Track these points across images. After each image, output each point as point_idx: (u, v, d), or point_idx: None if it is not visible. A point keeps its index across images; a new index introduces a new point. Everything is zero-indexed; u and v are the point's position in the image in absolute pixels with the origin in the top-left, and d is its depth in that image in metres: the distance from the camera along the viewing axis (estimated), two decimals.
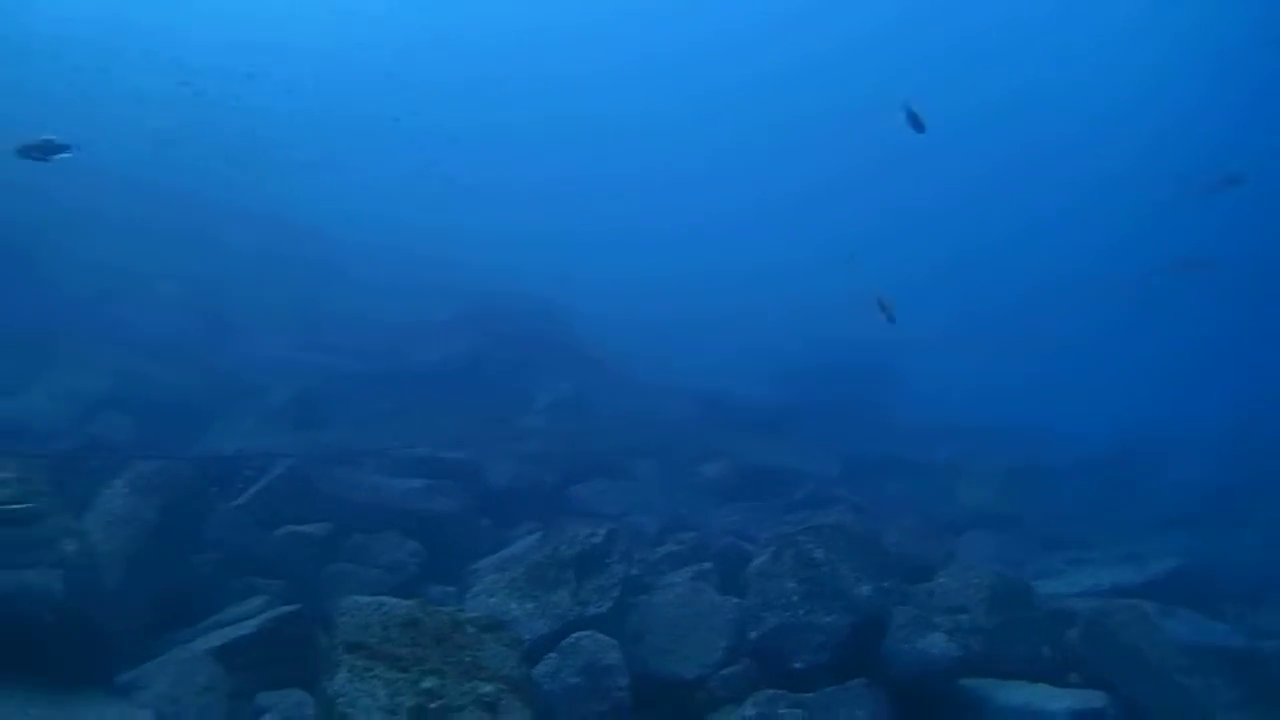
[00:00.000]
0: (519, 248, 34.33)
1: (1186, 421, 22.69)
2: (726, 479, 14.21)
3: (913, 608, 8.07)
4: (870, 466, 16.41)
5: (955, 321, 35.81)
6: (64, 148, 9.42)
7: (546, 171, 46.97)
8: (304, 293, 21.86)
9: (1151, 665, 7.77)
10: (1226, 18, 39.15)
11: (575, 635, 7.23)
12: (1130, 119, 46.52)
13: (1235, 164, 28.23)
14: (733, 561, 9.86)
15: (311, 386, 15.81)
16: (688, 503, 12.92)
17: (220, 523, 9.16)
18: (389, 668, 5.42)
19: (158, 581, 7.90)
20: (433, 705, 5.26)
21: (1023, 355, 33.69)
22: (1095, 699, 7.11)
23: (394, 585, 9.00)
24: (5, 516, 6.21)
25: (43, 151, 9.43)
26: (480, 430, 14.17)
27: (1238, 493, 16.21)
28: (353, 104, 37.30)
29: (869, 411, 20.87)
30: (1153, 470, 18.52)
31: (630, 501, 12.40)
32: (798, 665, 7.41)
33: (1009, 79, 49.00)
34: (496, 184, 43.27)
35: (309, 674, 6.53)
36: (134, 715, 5.96)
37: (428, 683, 5.37)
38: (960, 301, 38.89)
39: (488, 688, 5.50)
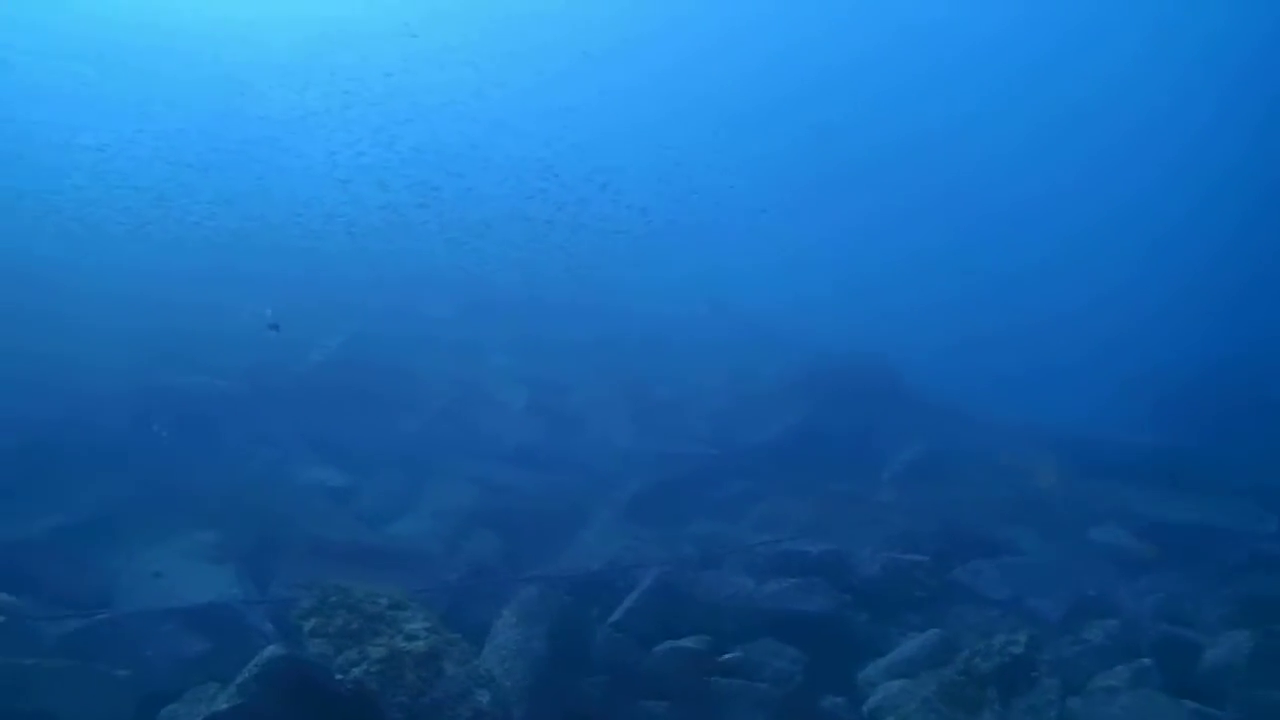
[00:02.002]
0: (827, 301, 33.51)
1: None
2: (1128, 545, 12.30)
3: None
4: None
5: None
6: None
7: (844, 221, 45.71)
8: (635, 376, 22.32)
9: None
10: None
11: None
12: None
13: None
14: (1175, 654, 8.28)
15: (657, 477, 15.89)
16: (1090, 578, 11.22)
17: (602, 643, 9.14)
18: None
19: (557, 713, 7.90)
20: None
21: None
22: None
23: (783, 698, 8.49)
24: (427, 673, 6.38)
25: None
26: (835, 511, 13.40)
27: None
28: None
29: None
30: None
31: (1020, 582, 10.98)
32: None
33: None
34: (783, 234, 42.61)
35: None
36: None
37: None
38: None
39: None
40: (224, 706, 6.18)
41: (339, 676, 6.54)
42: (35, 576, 9.64)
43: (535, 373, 20.78)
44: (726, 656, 9.12)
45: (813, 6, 48.38)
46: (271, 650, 6.72)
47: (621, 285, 27.79)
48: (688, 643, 9.18)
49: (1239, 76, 44.96)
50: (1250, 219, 42.90)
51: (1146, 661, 8.16)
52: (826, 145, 48.78)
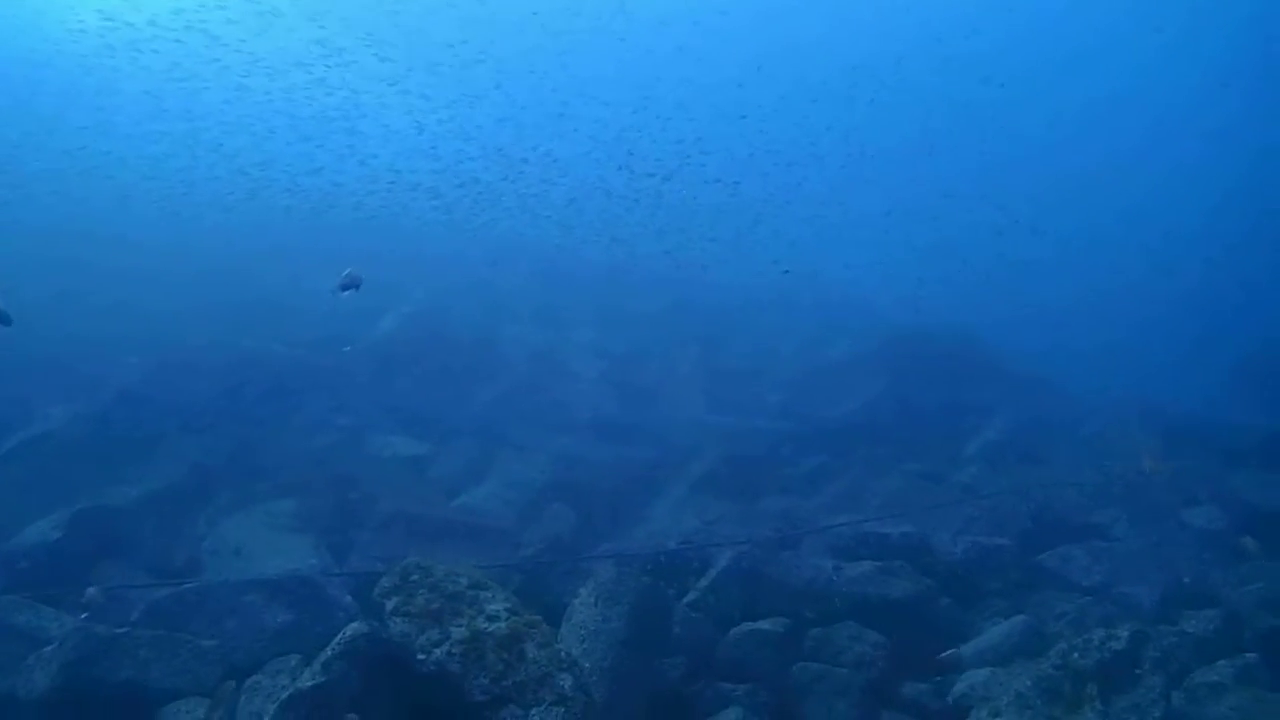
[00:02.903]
0: (903, 270, 32.65)
1: None
2: (1226, 530, 11.69)
3: None
4: None
5: None
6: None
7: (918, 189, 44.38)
8: (709, 347, 22.06)
9: None
10: None
11: None
12: None
13: None
14: None
15: (731, 451, 15.68)
16: (1186, 565, 10.70)
17: (679, 624, 9.03)
18: None
19: (636, 694, 7.83)
20: None
21: None
22: None
23: (865, 684, 8.31)
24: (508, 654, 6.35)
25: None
26: (915, 490, 13.05)
27: None
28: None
29: None
30: None
31: (1111, 568, 10.53)
32: None
33: None
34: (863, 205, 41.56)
35: None
36: None
37: None
38: None
39: None
40: (308, 684, 6.22)
41: (420, 657, 6.53)
42: (126, 542, 9.92)
43: (611, 344, 20.68)
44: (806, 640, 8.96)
45: None
46: (354, 628, 6.75)
47: (700, 256, 27.47)
48: (766, 625, 9.02)
49: None
50: None
51: (1252, 657, 7.73)
52: (894, 114, 47.35)
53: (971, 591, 10.18)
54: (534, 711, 6.16)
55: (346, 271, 9.43)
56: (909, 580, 9.80)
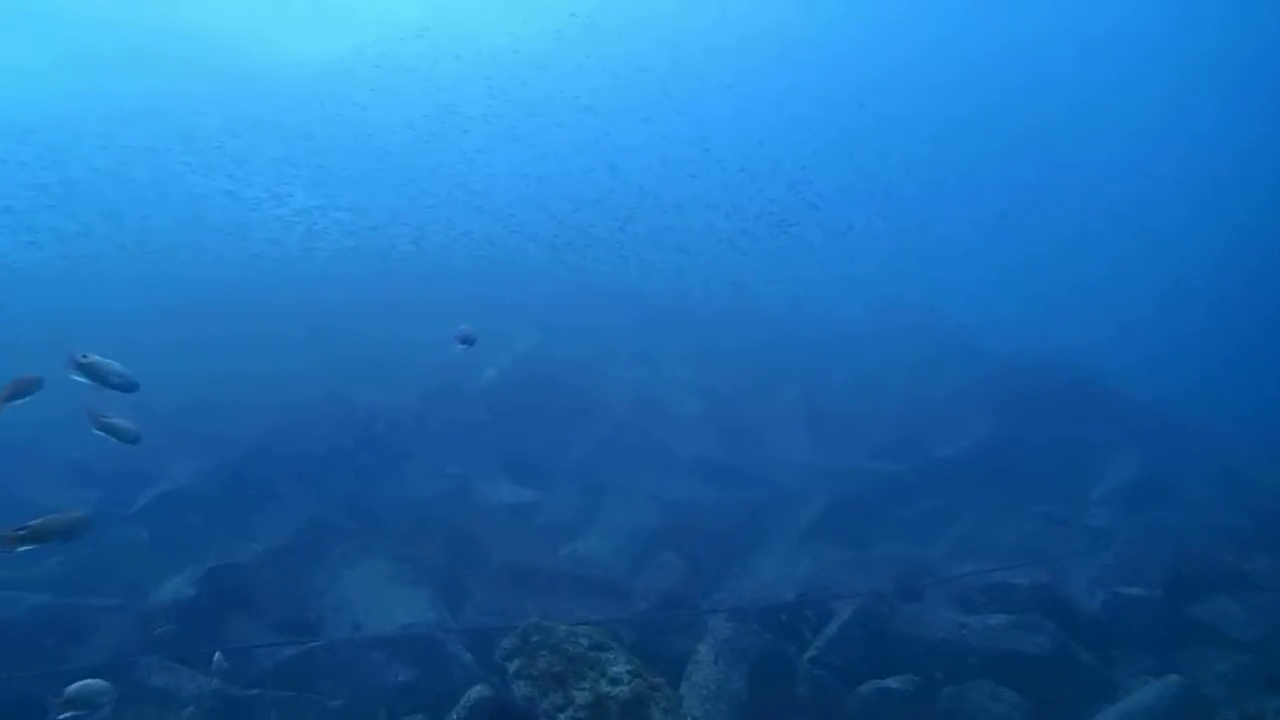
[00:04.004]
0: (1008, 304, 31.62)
1: None
2: None
3: None
4: None
5: None
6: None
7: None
8: (809, 383, 21.63)
9: None
10: None
11: None
12: None
13: None
14: None
15: (838, 494, 15.25)
16: None
17: (802, 681, 8.71)
18: None
19: None
20: None
21: None
22: None
23: None
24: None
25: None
26: (1042, 535, 12.42)
27: None
28: None
29: None
30: None
31: (1272, 622, 9.74)
32: None
33: None
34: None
35: None
36: None
37: None
38: None
39: None
40: None
41: None
42: (253, 598, 10.14)
43: (710, 382, 20.51)
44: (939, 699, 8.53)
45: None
46: (477, 691, 6.70)
47: (804, 293, 27.24)
48: (895, 683, 8.64)
49: None
50: None
51: None
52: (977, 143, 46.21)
53: (1113, 647, 9.56)
54: None
55: (462, 327, 9.52)
56: (1046, 635, 9.25)
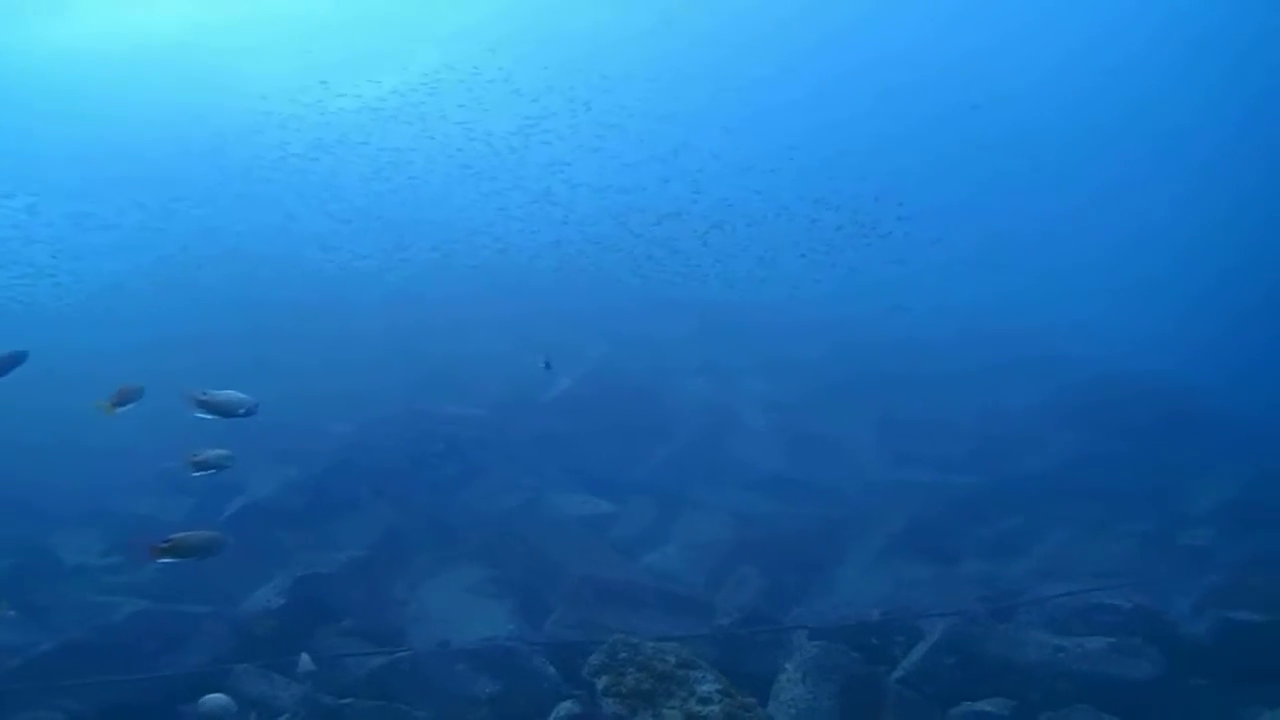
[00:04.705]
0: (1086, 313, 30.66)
1: None
2: None
3: None
4: None
5: None
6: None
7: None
8: (884, 393, 21.19)
9: None
10: None
11: None
12: None
13: None
14: None
15: (918, 509, 14.92)
16: None
17: (892, 703, 8.48)
18: None
19: None
20: None
21: None
22: None
23: None
24: None
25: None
26: (1136, 555, 11.96)
27: None
28: None
29: None
30: None
31: None
32: None
33: None
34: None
35: None
36: None
37: None
38: None
39: None
40: None
41: None
42: (338, 608, 10.28)
43: (780, 394, 20.29)
44: None
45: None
46: (567, 709, 6.69)
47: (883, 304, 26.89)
48: (989, 706, 8.36)
49: None
50: None
51: None
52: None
53: (1229, 673, 9.09)
54: None
55: (543, 357, 9.70)
56: (1150, 660, 8.86)
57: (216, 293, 24.68)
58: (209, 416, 6.34)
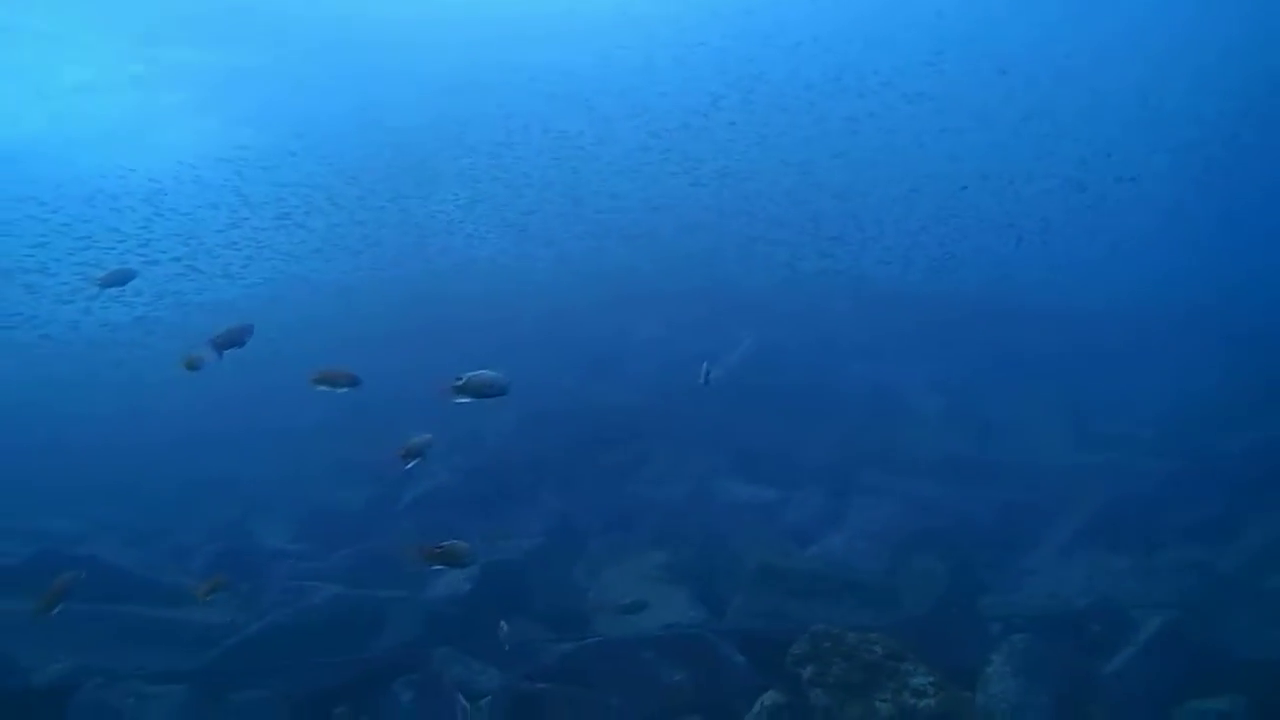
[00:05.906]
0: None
1: None
2: None
3: None
4: None
5: None
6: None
7: None
8: (1057, 373, 19.96)
9: None
10: None
11: None
12: None
13: None
14: None
15: (1111, 494, 13.98)
16: None
17: (1104, 697, 7.93)
18: None
19: None
20: None
21: None
22: None
23: None
24: None
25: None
26: None
27: None
28: None
29: None
30: None
31: None
32: None
33: None
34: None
35: None
36: None
37: None
38: None
39: None
40: None
41: None
42: (522, 593, 10.46)
43: (949, 376, 19.42)
44: None
45: None
46: (772, 697, 6.52)
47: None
48: (1221, 704, 7.68)
49: None
50: None
51: None
52: None
53: None
54: None
55: (705, 368, 9.58)
56: None
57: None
58: (467, 400, 6.26)
